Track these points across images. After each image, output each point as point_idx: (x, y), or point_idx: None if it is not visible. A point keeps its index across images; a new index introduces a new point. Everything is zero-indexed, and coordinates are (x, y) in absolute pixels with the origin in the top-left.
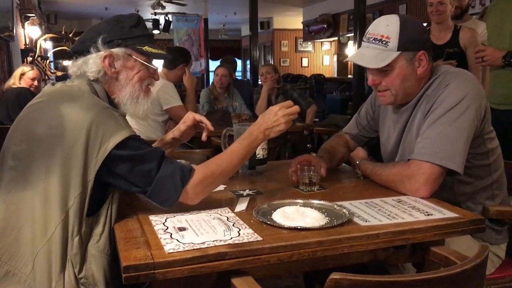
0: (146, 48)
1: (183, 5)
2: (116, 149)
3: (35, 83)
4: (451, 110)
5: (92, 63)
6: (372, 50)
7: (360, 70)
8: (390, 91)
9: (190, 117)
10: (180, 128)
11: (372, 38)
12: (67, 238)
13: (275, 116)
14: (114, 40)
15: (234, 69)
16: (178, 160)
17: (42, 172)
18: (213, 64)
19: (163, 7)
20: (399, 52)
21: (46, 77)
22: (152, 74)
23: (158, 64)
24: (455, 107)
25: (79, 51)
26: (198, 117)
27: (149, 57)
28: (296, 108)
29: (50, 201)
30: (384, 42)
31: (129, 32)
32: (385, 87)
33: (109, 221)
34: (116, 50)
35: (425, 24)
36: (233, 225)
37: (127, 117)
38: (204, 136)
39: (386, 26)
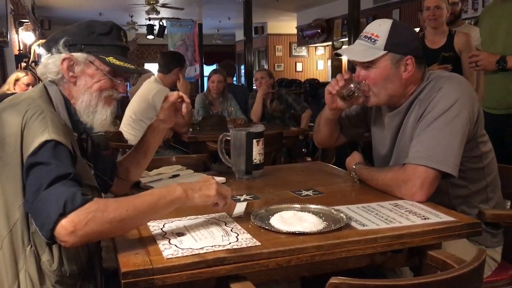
0: (109, 59)
1: (181, 9)
2: (31, 154)
3: (30, 88)
4: (444, 114)
5: (52, 63)
6: (360, 46)
7: None
8: (372, 90)
9: (173, 94)
10: (163, 107)
11: (363, 36)
12: (17, 251)
13: (207, 182)
14: (77, 44)
15: (233, 74)
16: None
17: None
18: (208, 69)
19: (158, 12)
20: (385, 52)
21: (41, 82)
22: (115, 87)
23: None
24: (448, 110)
25: (46, 51)
26: (176, 92)
27: (115, 68)
28: (229, 199)
29: None
30: (372, 40)
31: (96, 39)
32: (367, 86)
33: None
34: (77, 55)
35: (417, 30)
36: (231, 230)
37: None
38: (184, 108)
39: (379, 25)
